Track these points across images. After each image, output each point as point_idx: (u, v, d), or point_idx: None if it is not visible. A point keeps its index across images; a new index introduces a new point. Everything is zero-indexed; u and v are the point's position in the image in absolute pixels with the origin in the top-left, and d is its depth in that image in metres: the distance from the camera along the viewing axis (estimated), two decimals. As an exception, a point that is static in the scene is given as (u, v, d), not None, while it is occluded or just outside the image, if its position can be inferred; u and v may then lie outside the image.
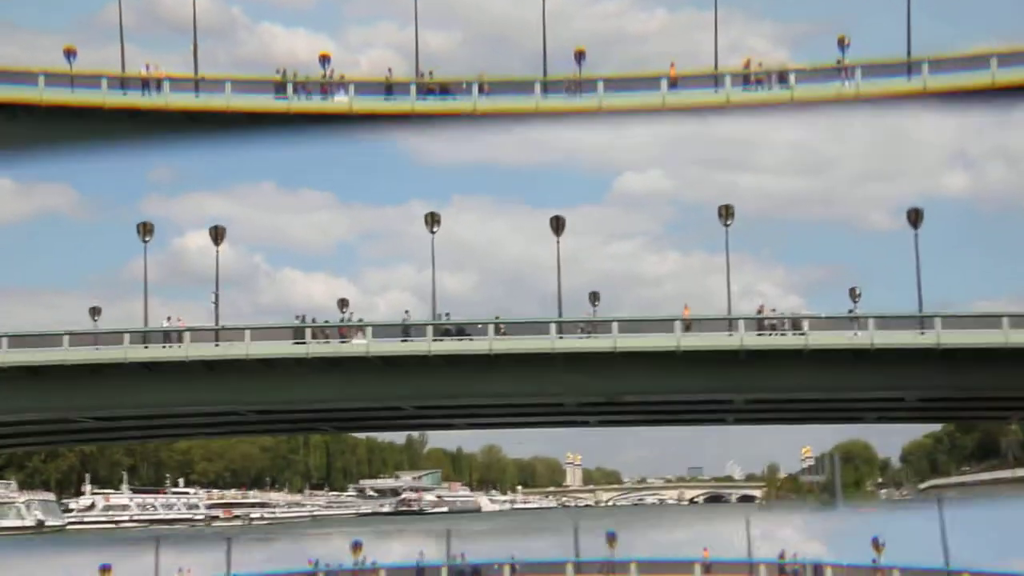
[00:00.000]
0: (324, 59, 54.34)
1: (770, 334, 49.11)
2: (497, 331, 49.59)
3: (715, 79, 53.19)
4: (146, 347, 50.13)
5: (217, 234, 54.48)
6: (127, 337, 49.74)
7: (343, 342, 49.93)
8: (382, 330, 50.43)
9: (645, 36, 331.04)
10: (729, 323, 49.97)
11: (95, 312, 58.65)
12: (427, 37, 50.77)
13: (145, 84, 52.99)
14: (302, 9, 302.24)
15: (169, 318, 52.67)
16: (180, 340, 49.89)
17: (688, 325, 49.40)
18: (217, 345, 50.08)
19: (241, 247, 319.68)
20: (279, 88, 52.71)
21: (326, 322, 50.50)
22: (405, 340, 49.74)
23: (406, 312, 51.82)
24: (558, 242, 52.93)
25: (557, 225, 53.25)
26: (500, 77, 54.94)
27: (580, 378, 50.58)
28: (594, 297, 57.72)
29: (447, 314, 51.45)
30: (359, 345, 49.16)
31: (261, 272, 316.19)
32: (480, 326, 49.75)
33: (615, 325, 49.34)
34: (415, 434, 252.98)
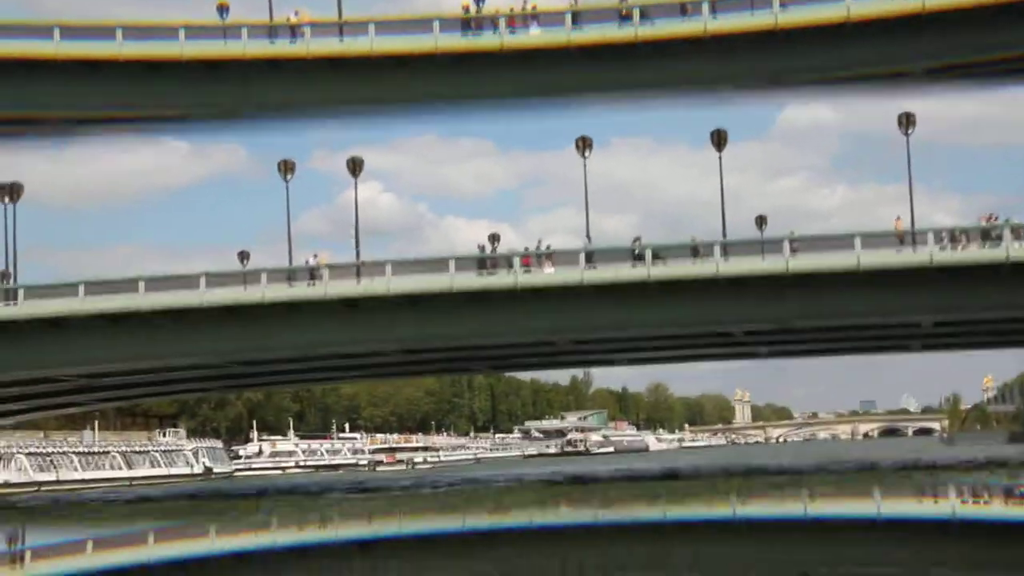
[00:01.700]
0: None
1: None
2: (655, 258, 45.56)
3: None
4: (290, 286, 47.68)
5: (355, 166, 51.56)
6: (264, 276, 47.21)
7: (490, 274, 46.58)
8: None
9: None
10: (913, 238, 44.96)
11: (243, 257, 56.86)
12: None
13: (293, 32, 50.33)
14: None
15: (316, 255, 50.26)
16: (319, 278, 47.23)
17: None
18: (358, 283, 47.26)
19: (406, 197, 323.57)
20: (465, 25, 49.12)
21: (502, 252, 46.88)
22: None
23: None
24: (720, 158, 48.41)
25: (718, 140, 48.70)
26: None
27: (748, 304, 46.27)
28: (761, 221, 53.47)
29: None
30: (505, 277, 45.68)
31: (426, 221, 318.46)
32: (636, 251, 45.64)
33: (786, 245, 44.71)
34: (580, 375, 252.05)
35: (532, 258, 46.86)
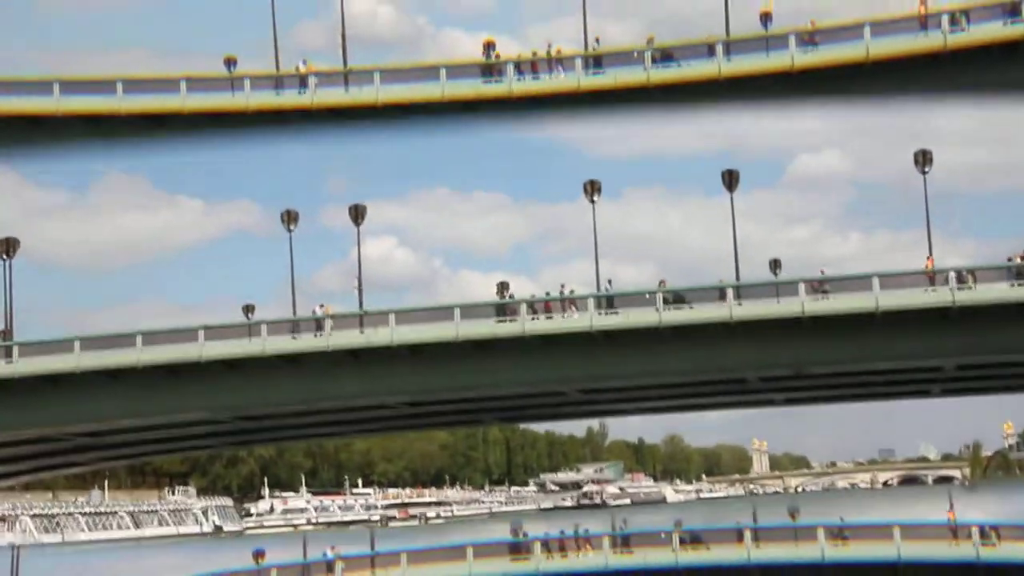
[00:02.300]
0: (489, 46, 49.57)
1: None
2: (666, 303, 44.17)
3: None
4: (294, 338, 46.40)
5: (357, 213, 50.40)
6: (265, 328, 45.96)
7: (499, 322, 45.15)
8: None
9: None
10: (932, 278, 43.46)
11: (248, 310, 55.71)
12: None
13: (302, 82, 49.45)
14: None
15: (322, 305, 49.05)
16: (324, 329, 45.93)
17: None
18: (362, 332, 45.94)
19: (421, 252, 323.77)
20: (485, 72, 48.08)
21: (532, 296, 45.90)
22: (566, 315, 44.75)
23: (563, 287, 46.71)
24: (732, 199, 47.11)
25: (730, 180, 47.43)
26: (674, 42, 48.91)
27: (762, 349, 44.72)
28: (775, 265, 52.21)
29: (609, 281, 46.49)
30: (512, 324, 44.31)
31: (440, 276, 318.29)
32: (648, 296, 44.25)
33: (801, 287, 43.26)
34: (595, 426, 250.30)
35: (555, 304, 45.41)
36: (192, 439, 60.57)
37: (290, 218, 54.43)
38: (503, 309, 45.52)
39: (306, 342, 45.39)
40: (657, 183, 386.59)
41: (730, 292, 43.56)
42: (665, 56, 47.30)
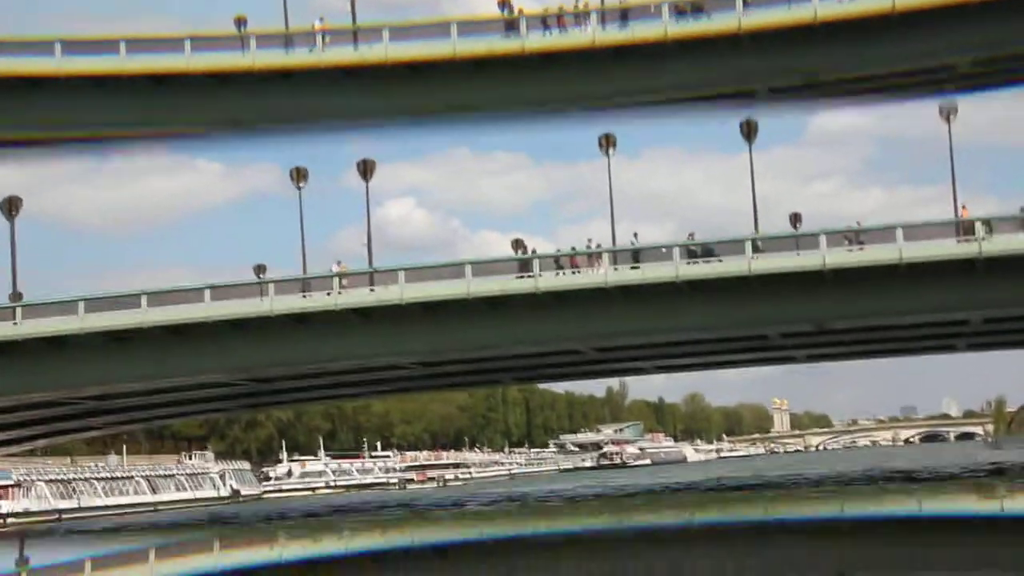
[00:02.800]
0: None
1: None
2: (692, 255, 42.73)
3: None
4: (304, 297, 45.32)
5: (366, 168, 49.20)
6: (272, 288, 44.90)
7: (519, 277, 43.82)
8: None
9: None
10: (958, 228, 42.10)
11: (260, 270, 54.75)
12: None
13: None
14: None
15: (339, 262, 48.03)
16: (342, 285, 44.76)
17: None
18: (372, 291, 44.86)
19: (439, 213, 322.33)
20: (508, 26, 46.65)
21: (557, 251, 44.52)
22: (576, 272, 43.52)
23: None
24: (750, 149, 45.76)
25: (748, 131, 46.01)
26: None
27: (783, 304, 43.51)
28: (795, 219, 50.82)
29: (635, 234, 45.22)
30: (525, 281, 43.14)
31: (459, 236, 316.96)
32: (664, 250, 42.99)
33: (822, 239, 41.92)
34: (615, 386, 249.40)
35: (581, 260, 44.07)
36: (204, 402, 59.83)
37: (299, 175, 53.59)
38: (526, 265, 44.21)
39: (314, 301, 44.38)
40: (675, 142, 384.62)
41: (749, 245, 42.24)
42: (681, 11, 45.74)
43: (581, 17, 46.51)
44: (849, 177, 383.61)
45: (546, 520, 44.12)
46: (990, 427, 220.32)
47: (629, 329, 44.79)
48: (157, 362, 45.80)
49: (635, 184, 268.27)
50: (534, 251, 45.93)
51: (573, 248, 45.44)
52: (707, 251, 43.26)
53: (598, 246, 44.60)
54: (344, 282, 44.38)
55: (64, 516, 75.25)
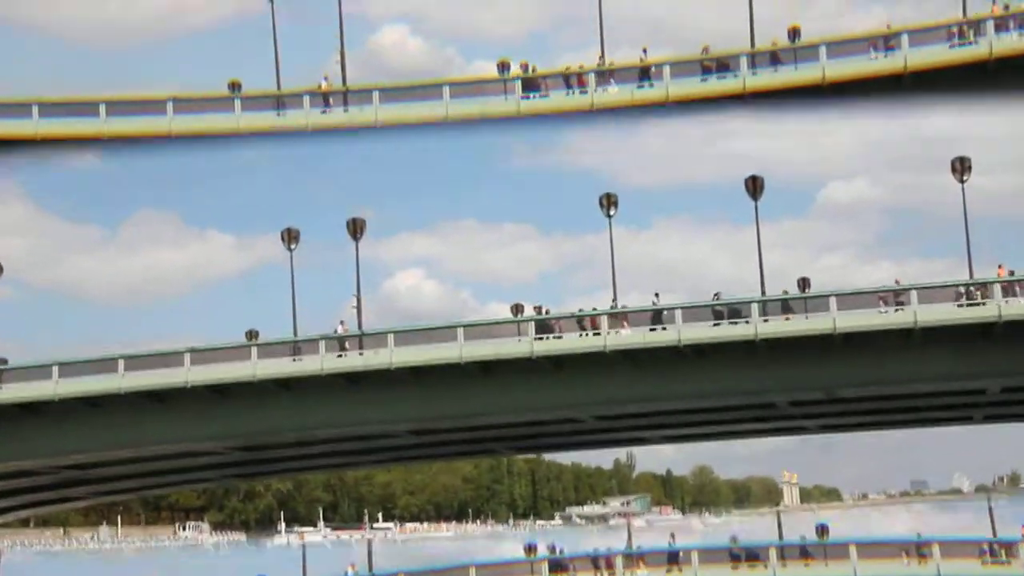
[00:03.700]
0: (503, 67, 46.94)
1: None
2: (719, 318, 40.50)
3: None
4: (294, 360, 43.22)
5: (355, 227, 47.27)
6: (255, 352, 42.89)
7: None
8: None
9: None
10: (965, 292, 39.86)
11: (251, 335, 52.79)
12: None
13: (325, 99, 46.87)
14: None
15: (343, 322, 45.82)
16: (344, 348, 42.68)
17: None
18: (361, 354, 42.80)
19: (448, 284, 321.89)
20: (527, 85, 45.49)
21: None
22: (582, 334, 41.40)
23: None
24: (756, 207, 43.84)
25: (754, 188, 44.11)
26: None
27: (791, 371, 41.37)
28: (804, 283, 48.85)
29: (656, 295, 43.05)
30: (519, 345, 41.08)
31: (469, 308, 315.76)
32: (665, 312, 40.95)
33: (832, 301, 39.86)
34: (622, 458, 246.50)
35: (603, 321, 41.70)
36: (191, 471, 57.47)
37: (290, 237, 51.68)
38: (546, 327, 41.91)
39: (299, 366, 42.35)
40: (685, 212, 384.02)
41: (755, 308, 40.17)
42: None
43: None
44: (860, 250, 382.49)
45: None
46: (1003, 503, 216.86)
47: (630, 396, 42.61)
48: (136, 429, 43.69)
49: (646, 255, 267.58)
50: (542, 309, 43.51)
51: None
52: (733, 312, 40.93)
53: (623, 307, 42.23)
54: (327, 345, 42.27)
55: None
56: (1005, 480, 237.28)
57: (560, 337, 41.08)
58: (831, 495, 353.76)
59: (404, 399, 42.77)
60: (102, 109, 46.49)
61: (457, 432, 49.69)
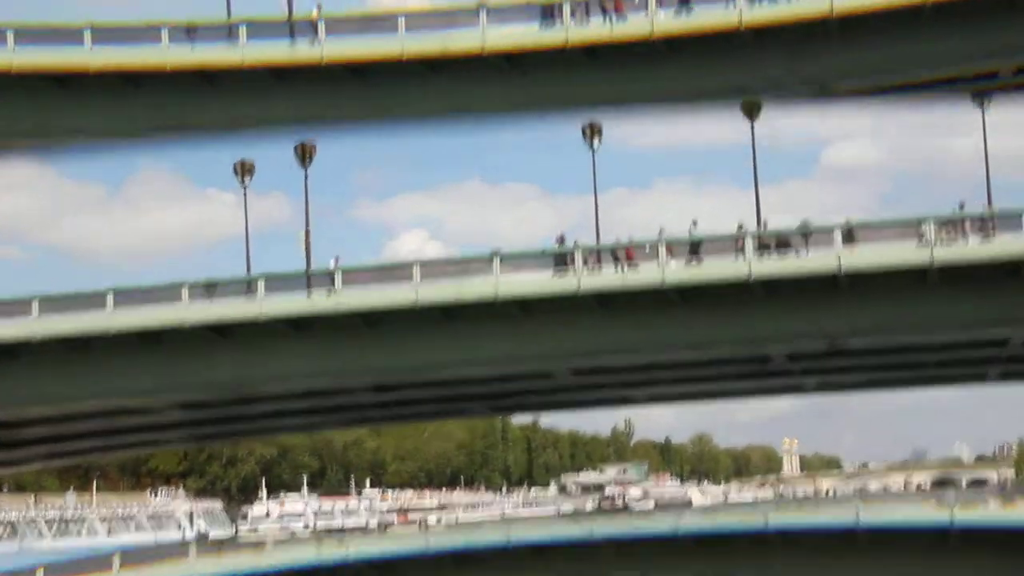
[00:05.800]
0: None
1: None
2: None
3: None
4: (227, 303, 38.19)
5: (304, 152, 42.02)
6: (185, 291, 37.88)
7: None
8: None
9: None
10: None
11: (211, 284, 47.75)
12: None
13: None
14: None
15: (337, 258, 40.30)
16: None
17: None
18: (309, 297, 37.91)
19: (452, 245, 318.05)
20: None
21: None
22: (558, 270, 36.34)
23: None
24: (752, 127, 38.88)
25: (750, 110, 39.00)
26: None
27: (789, 317, 36.66)
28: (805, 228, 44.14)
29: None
30: (482, 285, 36.20)
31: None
32: (648, 248, 36.01)
33: (837, 234, 35.01)
34: (620, 425, 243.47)
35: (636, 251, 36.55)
36: (136, 432, 52.84)
37: (244, 169, 46.42)
38: (563, 259, 36.81)
39: (234, 308, 37.37)
40: (684, 173, 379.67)
41: (749, 243, 35.25)
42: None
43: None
44: (866, 214, 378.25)
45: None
46: (1005, 472, 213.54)
47: (607, 346, 37.74)
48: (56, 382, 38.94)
49: (649, 218, 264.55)
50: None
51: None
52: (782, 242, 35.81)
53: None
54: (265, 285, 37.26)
55: (-2, 559, 68.52)
56: (1006, 449, 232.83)
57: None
58: (831, 464, 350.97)
59: (355, 348, 38.02)
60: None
61: (423, 388, 45.05)
